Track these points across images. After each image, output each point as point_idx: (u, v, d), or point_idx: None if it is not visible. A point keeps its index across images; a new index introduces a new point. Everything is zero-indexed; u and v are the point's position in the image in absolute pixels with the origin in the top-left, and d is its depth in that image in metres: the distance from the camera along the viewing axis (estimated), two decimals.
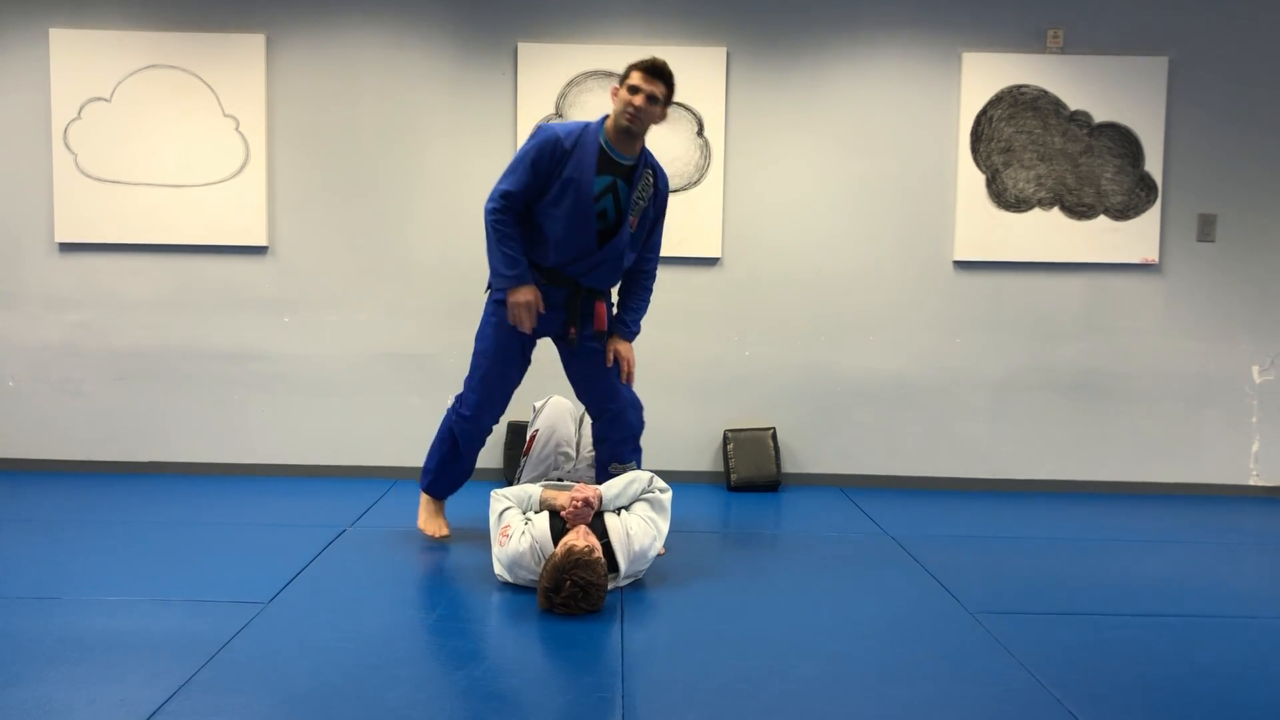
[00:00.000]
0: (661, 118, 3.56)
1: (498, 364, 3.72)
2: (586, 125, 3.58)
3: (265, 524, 4.08)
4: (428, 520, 3.92)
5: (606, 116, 3.59)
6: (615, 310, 3.82)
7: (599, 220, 3.58)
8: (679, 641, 2.89)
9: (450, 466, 3.88)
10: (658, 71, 3.49)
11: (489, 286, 3.69)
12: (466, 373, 3.82)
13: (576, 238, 3.57)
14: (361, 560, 3.64)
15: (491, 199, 3.57)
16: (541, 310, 3.61)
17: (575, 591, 3.04)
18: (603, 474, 3.83)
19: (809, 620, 3.11)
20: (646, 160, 3.63)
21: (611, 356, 3.73)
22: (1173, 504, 4.84)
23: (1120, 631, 3.07)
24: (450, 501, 4.07)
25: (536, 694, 2.52)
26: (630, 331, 3.77)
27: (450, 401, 3.88)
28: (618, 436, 3.79)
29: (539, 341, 3.83)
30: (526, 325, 3.58)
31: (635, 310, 3.79)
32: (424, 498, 3.95)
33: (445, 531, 3.90)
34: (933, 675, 2.76)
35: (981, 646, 2.92)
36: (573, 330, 3.68)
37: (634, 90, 3.47)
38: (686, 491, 4.84)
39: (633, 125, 3.49)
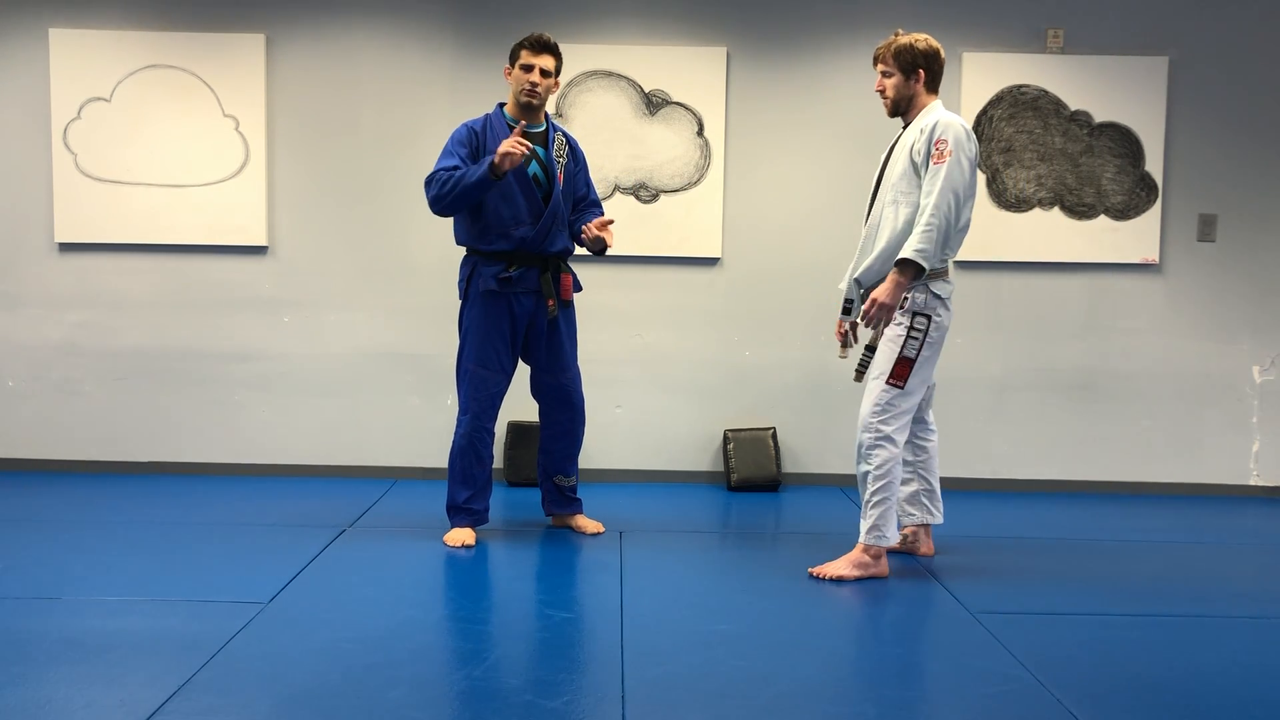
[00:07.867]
0: (556, 87, 3.86)
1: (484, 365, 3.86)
2: (487, 114, 3.89)
3: (265, 524, 4.08)
4: (456, 534, 3.88)
5: (502, 103, 3.90)
6: (582, 229, 3.90)
7: (535, 185, 3.83)
8: (679, 641, 2.89)
9: (479, 477, 3.91)
10: (544, 45, 3.79)
11: (462, 294, 3.89)
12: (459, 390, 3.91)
13: (523, 201, 3.79)
14: (361, 560, 3.63)
15: (431, 174, 3.77)
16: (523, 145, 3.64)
17: None
18: (548, 483, 4.06)
19: (809, 620, 3.11)
20: (552, 126, 3.94)
21: (599, 233, 3.80)
22: (1173, 504, 4.84)
23: (1120, 631, 3.07)
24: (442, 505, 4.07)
25: (536, 694, 2.52)
26: (600, 211, 3.98)
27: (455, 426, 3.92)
28: (563, 451, 4.03)
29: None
30: (518, 151, 3.59)
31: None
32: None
33: (471, 541, 3.85)
34: (933, 675, 2.76)
35: (981, 646, 2.92)
36: (551, 302, 3.88)
37: (527, 68, 3.77)
38: (686, 491, 4.84)
39: (533, 100, 3.79)
